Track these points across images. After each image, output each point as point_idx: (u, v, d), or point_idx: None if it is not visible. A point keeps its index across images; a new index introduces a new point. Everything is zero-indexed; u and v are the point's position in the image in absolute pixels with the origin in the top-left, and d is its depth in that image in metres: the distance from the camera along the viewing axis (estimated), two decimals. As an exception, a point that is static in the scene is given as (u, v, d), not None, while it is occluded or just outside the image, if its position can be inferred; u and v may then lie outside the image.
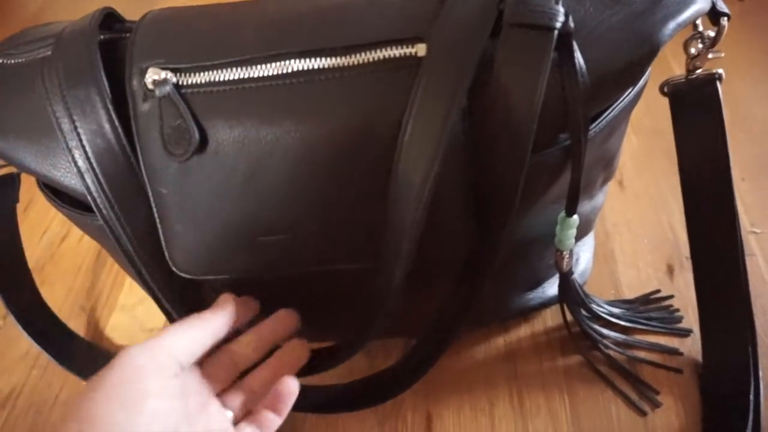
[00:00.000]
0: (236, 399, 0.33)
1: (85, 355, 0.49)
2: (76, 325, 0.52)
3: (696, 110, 0.36)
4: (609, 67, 0.27)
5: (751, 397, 0.38)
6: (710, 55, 0.34)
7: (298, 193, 0.28)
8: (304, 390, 0.33)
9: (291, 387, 0.32)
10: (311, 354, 0.35)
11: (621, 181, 0.54)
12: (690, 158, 0.37)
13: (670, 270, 0.47)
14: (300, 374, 0.35)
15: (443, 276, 0.32)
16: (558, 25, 0.25)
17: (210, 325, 0.31)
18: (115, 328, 0.52)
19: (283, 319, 0.34)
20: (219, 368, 0.32)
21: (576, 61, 0.26)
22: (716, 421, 0.39)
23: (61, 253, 0.59)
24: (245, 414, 0.33)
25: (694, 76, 0.35)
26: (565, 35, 0.25)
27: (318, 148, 0.27)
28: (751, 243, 0.48)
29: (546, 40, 0.25)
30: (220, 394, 0.33)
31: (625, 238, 0.50)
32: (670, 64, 0.62)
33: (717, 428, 0.38)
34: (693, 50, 0.34)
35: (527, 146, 0.26)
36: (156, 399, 0.27)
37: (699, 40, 0.33)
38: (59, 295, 0.55)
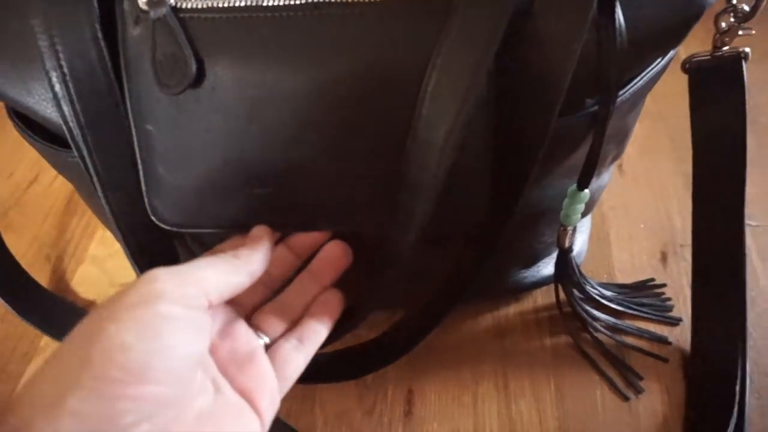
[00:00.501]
0: (270, 317, 0.29)
1: (47, 307, 0.46)
2: (40, 275, 0.49)
3: (718, 89, 0.35)
4: (649, 29, 0.25)
5: (737, 387, 0.37)
6: (740, 32, 0.32)
7: (301, 142, 0.26)
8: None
9: (338, 295, 0.30)
10: None
11: (621, 164, 0.53)
12: (706, 138, 0.36)
13: (664, 257, 0.47)
14: None
15: (451, 242, 0.30)
16: (603, -26, 0.23)
17: (247, 269, 0.26)
18: (82, 281, 0.49)
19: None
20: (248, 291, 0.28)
21: (616, 18, 0.24)
22: (701, 409, 0.38)
23: (27, 199, 0.55)
24: (284, 331, 0.30)
25: (720, 53, 0.34)
26: (609, -13, 0.23)
27: (328, 92, 0.25)
28: (746, 235, 0.47)
29: (588, -10, 0.23)
30: (251, 314, 0.30)
31: (622, 222, 0.49)
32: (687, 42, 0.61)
33: (701, 416, 0.38)
34: (724, 24, 0.32)
35: (556, 105, 0.24)
36: (177, 327, 0.22)
37: (731, 14, 0.31)
38: (23, 243, 0.51)
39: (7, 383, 0.43)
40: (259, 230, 0.28)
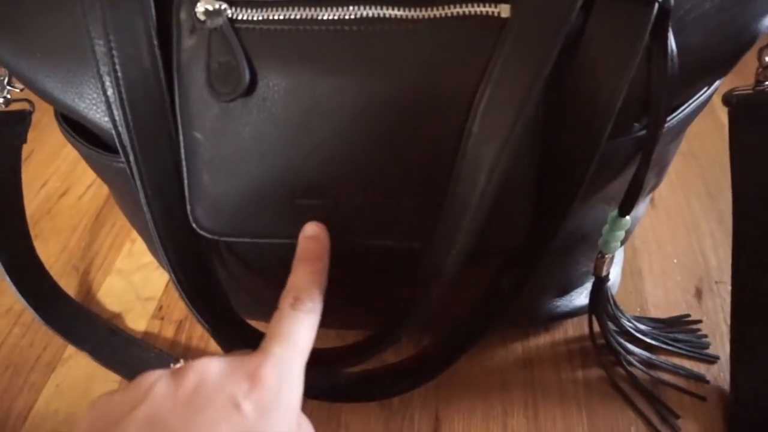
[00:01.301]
0: None
1: (73, 317, 0.46)
2: (67, 285, 0.49)
3: (759, 124, 0.34)
4: (700, 56, 0.25)
5: (782, 432, 0.36)
6: (786, 67, 0.32)
7: (348, 154, 0.26)
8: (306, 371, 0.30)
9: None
10: (340, 348, 0.32)
11: (653, 198, 0.53)
12: (746, 174, 0.35)
13: (699, 293, 0.46)
14: (326, 363, 0.32)
15: (489, 265, 0.30)
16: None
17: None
18: (109, 292, 0.49)
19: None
20: None
21: (669, 44, 0.24)
22: (743, 453, 0.37)
23: (58, 209, 0.56)
24: None
25: (762, 87, 0.33)
26: (663, 13, 0.23)
27: (379, 106, 0.25)
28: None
29: (644, 15, 0.23)
30: None
31: (654, 256, 0.48)
32: None
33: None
34: (767, 59, 0.32)
35: (605, 129, 0.24)
36: None
37: (777, 49, 0.31)
38: (52, 253, 0.52)
39: (30, 393, 0.42)
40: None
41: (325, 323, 0.27)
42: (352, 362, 0.31)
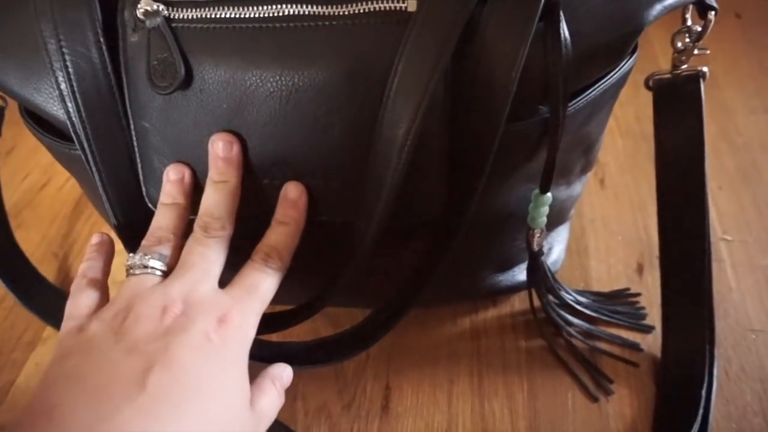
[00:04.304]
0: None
1: (52, 300, 0.49)
2: (47, 270, 0.52)
3: (677, 106, 0.37)
4: (592, 43, 0.28)
5: (703, 392, 0.38)
6: (696, 51, 0.34)
7: (277, 139, 0.29)
8: (260, 344, 0.33)
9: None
10: (272, 314, 0.35)
11: (603, 179, 0.55)
12: (667, 153, 0.38)
13: (640, 268, 0.48)
14: (260, 332, 0.35)
15: (410, 239, 0.33)
16: (545, -8, 0.25)
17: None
18: (85, 276, 0.52)
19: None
20: None
21: (561, 32, 0.26)
22: (667, 413, 0.39)
23: (39, 200, 0.59)
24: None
25: (679, 71, 0.36)
26: (553, 4, 0.26)
27: (301, 94, 0.27)
28: (721, 249, 0.49)
29: (532, 5, 0.25)
30: None
31: (600, 234, 0.51)
32: (658, 61, 0.64)
33: (667, 419, 0.39)
34: (680, 44, 0.35)
35: (504, 110, 0.27)
36: None
37: (686, 35, 0.34)
38: (34, 240, 0.55)
39: (12, 370, 0.45)
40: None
41: None
42: (283, 325, 0.34)
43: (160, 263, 0.30)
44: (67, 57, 0.28)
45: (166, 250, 0.30)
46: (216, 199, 0.30)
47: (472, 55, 0.26)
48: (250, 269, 0.30)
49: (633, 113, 0.62)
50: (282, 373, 0.32)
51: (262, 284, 0.30)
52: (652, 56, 0.66)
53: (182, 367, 0.25)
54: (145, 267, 0.29)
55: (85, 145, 0.30)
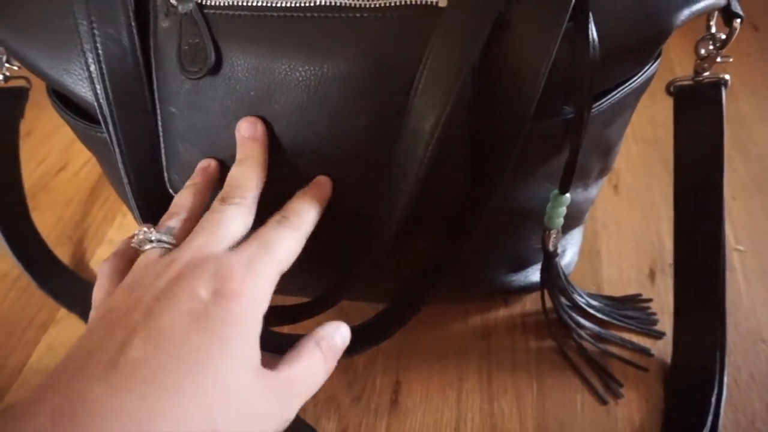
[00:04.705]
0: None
1: (66, 282, 0.49)
2: (62, 252, 0.52)
3: (698, 113, 0.37)
4: (619, 45, 0.28)
5: (713, 399, 0.39)
6: (719, 59, 0.34)
7: (305, 127, 0.29)
8: (268, 336, 0.30)
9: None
10: (287, 306, 0.35)
11: (617, 185, 0.55)
12: (685, 160, 0.38)
13: (652, 274, 0.48)
14: (276, 323, 0.35)
15: (428, 234, 0.33)
16: (576, -9, 0.26)
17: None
18: (99, 260, 0.52)
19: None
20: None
21: (590, 31, 0.27)
22: (676, 419, 0.39)
23: (55, 184, 0.59)
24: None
25: (701, 78, 0.36)
26: (583, 4, 0.26)
27: (331, 83, 0.28)
28: (733, 259, 0.49)
29: (563, 5, 0.26)
30: None
31: (613, 239, 0.51)
32: (674, 69, 0.64)
33: (676, 425, 0.39)
34: (703, 51, 0.35)
35: (530, 108, 0.27)
36: None
37: (710, 42, 0.34)
38: (48, 223, 0.55)
39: (24, 349, 0.46)
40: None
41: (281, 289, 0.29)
42: (299, 317, 0.35)
43: (167, 236, 0.28)
44: (97, 39, 0.28)
45: (176, 222, 0.28)
46: (238, 171, 0.29)
47: (500, 50, 0.27)
48: (265, 227, 0.27)
49: (648, 120, 0.62)
50: (334, 333, 0.28)
51: (276, 242, 0.26)
52: (668, 63, 0.67)
53: (165, 335, 0.22)
54: (150, 241, 0.27)
55: (111, 128, 0.30)
